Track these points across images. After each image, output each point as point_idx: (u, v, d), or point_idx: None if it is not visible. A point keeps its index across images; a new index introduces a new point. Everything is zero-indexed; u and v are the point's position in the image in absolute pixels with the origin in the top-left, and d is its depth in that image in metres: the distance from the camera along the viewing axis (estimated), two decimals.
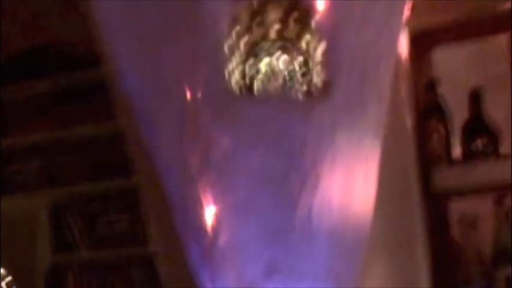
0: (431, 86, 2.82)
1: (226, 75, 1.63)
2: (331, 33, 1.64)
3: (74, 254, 3.09)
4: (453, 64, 2.99)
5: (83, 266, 3.12)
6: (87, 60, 2.79)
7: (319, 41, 1.64)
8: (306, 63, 1.63)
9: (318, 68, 1.63)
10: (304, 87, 1.62)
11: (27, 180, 3.17)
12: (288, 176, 1.63)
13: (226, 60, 1.64)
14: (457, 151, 2.81)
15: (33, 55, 3.03)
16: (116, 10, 1.74)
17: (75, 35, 2.80)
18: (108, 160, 2.94)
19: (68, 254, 3.10)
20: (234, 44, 1.64)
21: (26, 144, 3.11)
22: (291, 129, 1.62)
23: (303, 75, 1.62)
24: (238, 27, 1.65)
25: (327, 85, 1.63)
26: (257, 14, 1.64)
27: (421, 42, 2.91)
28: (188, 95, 1.66)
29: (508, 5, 2.81)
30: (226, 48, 1.64)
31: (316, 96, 1.63)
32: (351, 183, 1.69)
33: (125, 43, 1.73)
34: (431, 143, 2.77)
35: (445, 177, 2.74)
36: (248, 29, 1.65)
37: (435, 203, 2.80)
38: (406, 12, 1.87)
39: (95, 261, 3.08)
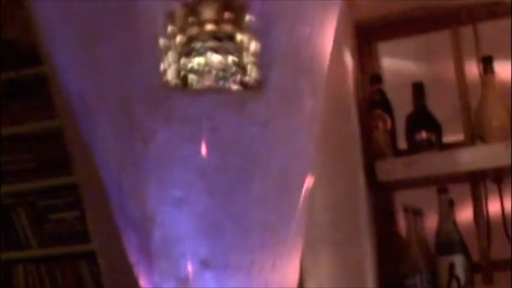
0: (376, 79, 2.87)
1: (162, 71, 1.66)
2: (265, 30, 1.67)
3: (22, 249, 3.11)
4: (398, 58, 3.04)
5: (31, 261, 3.14)
6: (31, 58, 2.80)
7: (252, 38, 1.67)
8: (239, 59, 1.66)
9: (252, 64, 1.66)
10: (238, 83, 1.65)
11: None
12: (223, 170, 1.65)
13: (161, 57, 1.66)
14: (402, 143, 2.86)
15: None
16: (54, 7, 1.76)
17: (20, 34, 2.81)
18: (55, 157, 2.95)
19: (17, 250, 3.12)
20: (169, 41, 1.67)
21: None
22: (226, 123, 1.65)
23: (237, 71, 1.65)
24: (173, 25, 1.67)
25: (261, 80, 1.66)
26: (192, 12, 1.67)
27: (367, 36, 2.96)
28: (124, 90, 1.68)
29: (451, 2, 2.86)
30: (161, 45, 1.66)
31: (250, 91, 1.65)
32: (286, 177, 1.72)
33: (61, 40, 1.75)
34: (377, 134, 2.81)
35: (390, 168, 2.78)
36: (183, 27, 1.67)
37: (380, 194, 2.85)
38: (342, 7, 1.91)
39: (43, 256, 3.10)
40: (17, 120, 3.00)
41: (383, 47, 2.99)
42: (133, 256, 1.69)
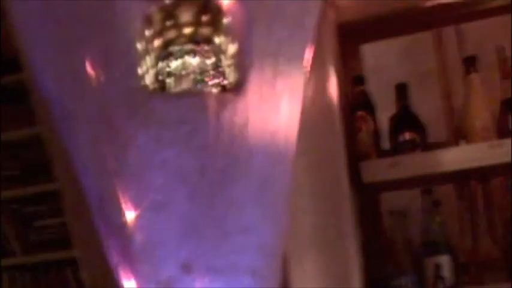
0: (359, 80, 2.87)
1: (140, 75, 1.65)
2: (243, 32, 1.67)
3: (7, 257, 3.09)
4: (382, 59, 3.04)
5: (16, 268, 3.12)
6: (13, 64, 2.77)
7: (231, 41, 1.66)
8: (218, 62, 1.66)
9: (230, 66, 1.66)
10: (216, 86, 1.65)
11: None
12: (204, 174, 1.65)
13: (139, 61, 1.65)
14: (386, 144, 2.86)
15: None
16: (31, 11, 1.75)
17: (1, 40, 2.80)
18: (38, 164, 2.94)
19: (1, 257, 3.10)
20: (147, 44, 1.66)
21: None
22: (205, 126, 1.64)
23: (215, 74, 1.65)
24: (151, 28, 1.66)
25: (239, 83, 1.66)
26: (170, 15, 1.66)
27: (349, 37, 2.96)
28: (103, 95, 1.67)
29: (434, 2, 2.87)
30: (139, 49, 1.65)
31: (228, 93, 1.65)
32: (267, 179, 1.71)
33: (39, 45, 1.74)
34: (361, 136, 2.81)
35: (375, 170, 2.78)
36: (161, 30, 1.67)
37: (365, 195, 2.85)
38: (322, 8, 1.91)
39: (28, 264, 3.08)
40: (3, 126, 2.99)
41: (366, 48, 2.99)
42: (114, 261, 1.68)
